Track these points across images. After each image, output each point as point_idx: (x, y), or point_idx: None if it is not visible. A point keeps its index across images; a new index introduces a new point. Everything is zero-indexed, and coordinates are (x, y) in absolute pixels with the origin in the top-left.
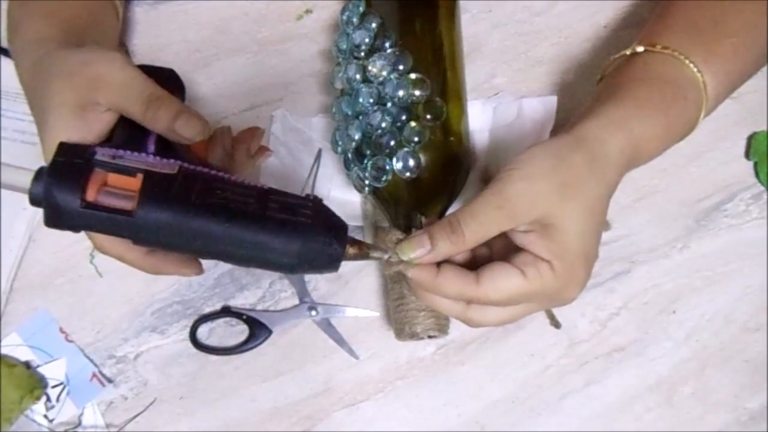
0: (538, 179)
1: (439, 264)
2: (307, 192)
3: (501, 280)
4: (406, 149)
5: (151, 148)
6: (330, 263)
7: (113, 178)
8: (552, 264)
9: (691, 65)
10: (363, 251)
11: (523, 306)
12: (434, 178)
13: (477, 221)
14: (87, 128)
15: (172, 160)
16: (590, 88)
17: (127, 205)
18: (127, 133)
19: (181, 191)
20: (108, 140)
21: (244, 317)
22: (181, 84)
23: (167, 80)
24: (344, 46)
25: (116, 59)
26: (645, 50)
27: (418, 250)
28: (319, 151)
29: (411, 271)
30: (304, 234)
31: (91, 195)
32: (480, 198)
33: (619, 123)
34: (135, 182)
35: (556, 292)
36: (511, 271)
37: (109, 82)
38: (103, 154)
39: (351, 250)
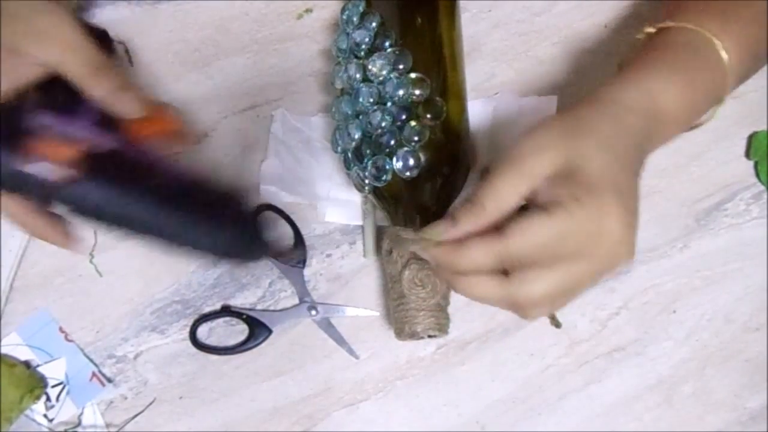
0: (543, 133)
1: None
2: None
3: (527, 223)
4: (406, 149)
5: (91, 121)
6: (252, 256)
7: (49, 146)
8: (577, 198)
9: (707, 33)
10: (286, 252)
11: (570, 264)
12: (434, 177)
13: (491, 187)
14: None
15: (110, 136)
16: (591, 87)
17: (59, 174)
18: (67, 101)
19: (115, 169)
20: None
21: (244, 317)
22: (111, 47)
23: (99, 40)
24: (344, 46)
25: (66, 18)
26: (658, 30)
27: (441, 227)
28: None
29: (434, 250)
30: (229, 225)
31: (23, 159)
32: (492, 168)
33: (631, 79)
34: (70, 152)
35: (590, 227)
36: (536, 213)
37: (54, 38)
38: (43, 121)
39: (276, 249)
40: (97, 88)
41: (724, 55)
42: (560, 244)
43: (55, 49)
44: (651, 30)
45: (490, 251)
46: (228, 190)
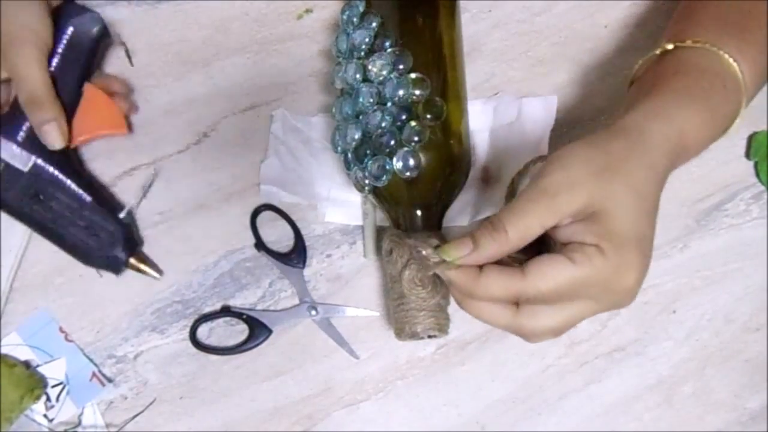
0: (575, 167)
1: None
2: (134, 206)
3: (548, 268)
4: (406, 149)
5: (21, 136)
6: (109, 268)
7: None
8: (600, 247)
9: (726, 55)
10: (141, 269)
11: (579, 305)
12: (434, 178)
13: (517, 216)
14: None
15: (27, 155)
16: (591, 87)
17: None
18: (11, 113)
19: (23, 189)
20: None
21: (244, 317)
22: (106, 32)
23: (85, 23)
24: (344, 46)
25: (30, 53)
26: (675, 47)
27: (461, 250)
28: (153, 175)
29: (452, 273)
30: (94, 246)
31: None
32: (519, 195)
33: (659, 112)
34: None
35: (609, 278)
36: (558, 259)
37: (8, 64)
38: None
39: (133, 263)
40: (30, 117)
41: (741, 80)
42: (576, 290)
43: (8, 72)
44: (669, 46)
45: (508, 288)
46: (105, 217)
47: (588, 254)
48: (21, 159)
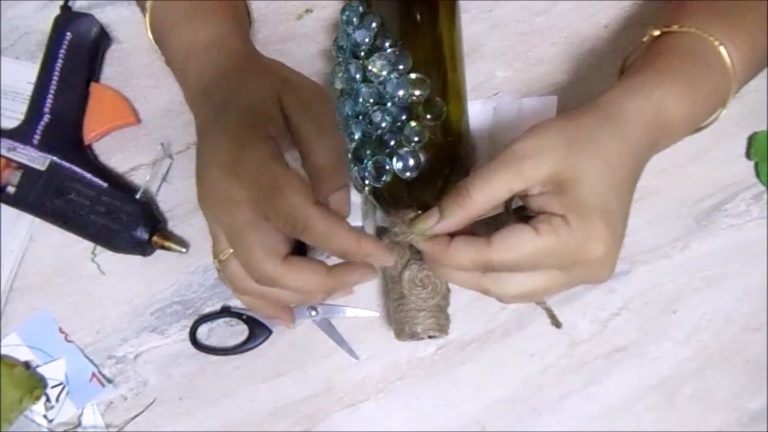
0: (545, 135)
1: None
2: (149, 187)
3: (513, 238)
4: (406, 149)
5: (36, 139)
6: (135, 250)
7: (6, 165)
8: (566, 218)
9: (711, 38)
10: (166, 245)
11: (545, 274)
12: (434, 178)
13: (483, 179)
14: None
15: (44, 156)
16: (591, 87)
17: (12, 186)
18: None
19: (42, 187)
20: None
21: (244, 317)
22: (104, 33)
23: (83, 27)
24: (344, 46)
25: (270, 160)
26: (662, 33)
27: (428, 221)
28: (160, 150)
29: (422, 244)
30: (117, 229)
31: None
32: (489, 161)
33: (636, 89)
34: (18, 173)
35: (574, 250)
36: (523, 229)
37: (253, 177)
38: (5, 146)
39: (157, 240)
40: (311, 241)
41: (728, 61)
42: (542, 259)
43: (250, 188)
44: (655, 32)
45: (474, 259)
46: (122, 201)
47: (553, 225)
48: (38, 160)
